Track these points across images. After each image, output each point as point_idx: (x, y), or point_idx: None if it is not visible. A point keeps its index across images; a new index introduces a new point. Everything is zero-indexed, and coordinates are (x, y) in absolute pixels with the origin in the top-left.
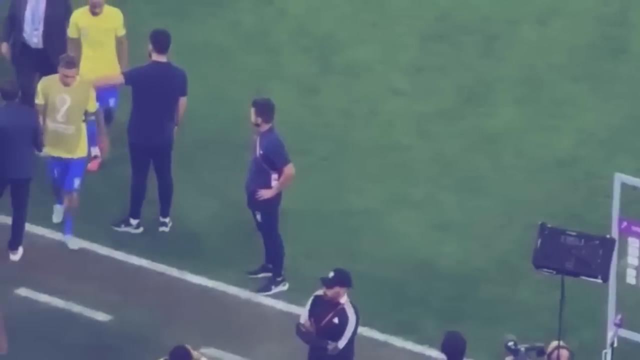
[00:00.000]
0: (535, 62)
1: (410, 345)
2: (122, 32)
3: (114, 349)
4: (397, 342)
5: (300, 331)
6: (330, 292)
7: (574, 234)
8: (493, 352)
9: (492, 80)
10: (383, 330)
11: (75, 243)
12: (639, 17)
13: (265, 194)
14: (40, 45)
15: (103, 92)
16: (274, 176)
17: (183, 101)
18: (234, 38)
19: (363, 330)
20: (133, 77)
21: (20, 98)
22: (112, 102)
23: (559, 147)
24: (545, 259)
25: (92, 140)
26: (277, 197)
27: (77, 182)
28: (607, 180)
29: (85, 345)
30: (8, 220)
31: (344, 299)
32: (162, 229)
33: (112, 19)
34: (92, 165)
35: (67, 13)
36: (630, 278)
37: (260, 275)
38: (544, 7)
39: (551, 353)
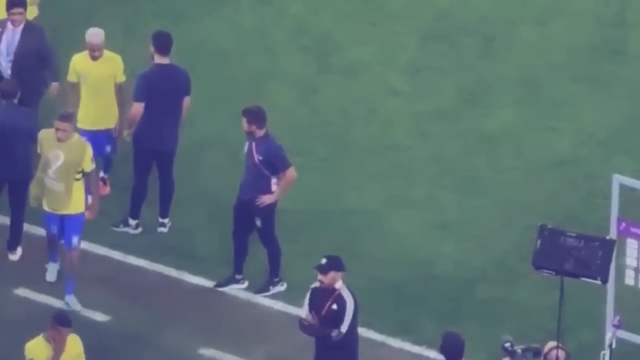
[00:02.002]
0: (534, 63)
1: (408, 346)
2: (121, 78)
3: (113, 349)
4: (395, 342)
5: (303, 325)
6: (326, 279)
7: (573, 235)
8: (491, 353)
9: (491, 80)
10: (381, 331)
11: (76, 304)
12: (638, 18)
13: (267, 199)
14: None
15: (99, 140)
16: (274, 180)
17: (187, 101)
18: (233, 38)
19: (362, 331)
20: (145, 91)
21: (20, 99)
22: (108, 148)
23: (558, 147)
24: (544, 260)
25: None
26: (274, 202)
27: (75, 240)
28: (606, 181)
29: (83, 345)
30: (6, 220)
31: (339, 284)
32: (160, 229)
33: (112, 64)
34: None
35: (42, 48)
36: (629, 279)
37: (228, 288)
38: (543, 7)
39: (547, 354)
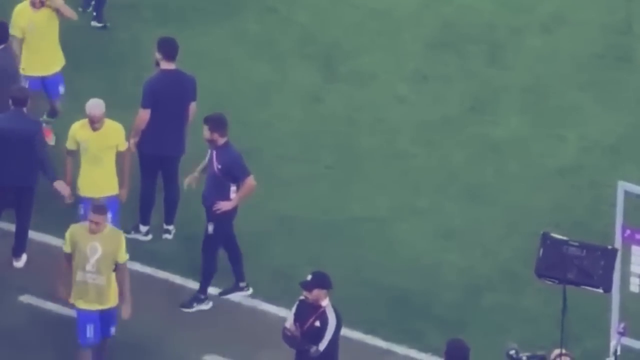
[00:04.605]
0: (540, 71)
1: (414, 353)
2: (123, 146)
3: (117, 355)
4: (401, 350)
5: (285, 335)
6: (310, 296)
7: (576, 244)
8: None
9: (497, 88)
10: (387, 339)
11: None
12: None
13: (224, 205)
14: None
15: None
16: (233, 188)
17: (193, 106)
18: (239, 46)
19: (367, 338)
20: (151, 97)
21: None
22: (109, 215)
23: (564, 155)
24: (547, 269)
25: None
26: (232, 211)
27: (113, 329)
28: (611, 188)
29: None
30: (12, 227)
31: (325, 302)
32: (165, 236)
33: (113, 135)
34: None
35: (9, 70)
36: (634, 286)
37: (232, 295)
38: (549, 15)
39: None
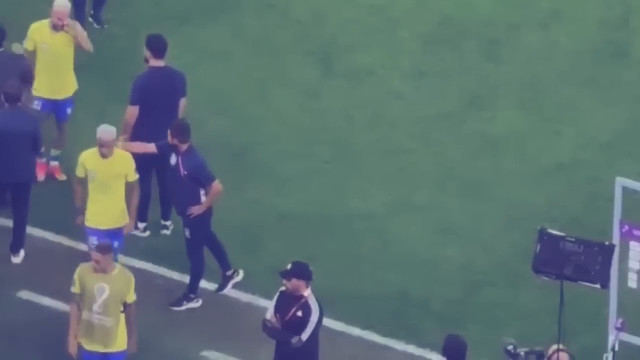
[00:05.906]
0: (537, 67)
1: (411, 349)
2: (133, 177)
3: None
4: (399, 346)
5: (266, 327)
6: (290, 285)
7: (573, 240)
8: (495, 356)
9: (495, 84)
10: (385, 334)
11: None
12: None
13: (196, 210)
14: None
15: (109, 236)
16: (202, 192)
17: (183, 102)
18: (237, 42)
19: (365, 334)
20: (139, 94)
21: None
22: (116, 244)
23: (561, 151)
24: (544, 265)
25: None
26: (207, 214)
27: None
28: (609, 184)
29: None
30: (10, 223)
31: (307, 293)
32: (163, 232)
33: (123, 164)
34: None
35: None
36: (632, 282)
37: (228, 288)
38: (546, 11)
39: (551, 356)
